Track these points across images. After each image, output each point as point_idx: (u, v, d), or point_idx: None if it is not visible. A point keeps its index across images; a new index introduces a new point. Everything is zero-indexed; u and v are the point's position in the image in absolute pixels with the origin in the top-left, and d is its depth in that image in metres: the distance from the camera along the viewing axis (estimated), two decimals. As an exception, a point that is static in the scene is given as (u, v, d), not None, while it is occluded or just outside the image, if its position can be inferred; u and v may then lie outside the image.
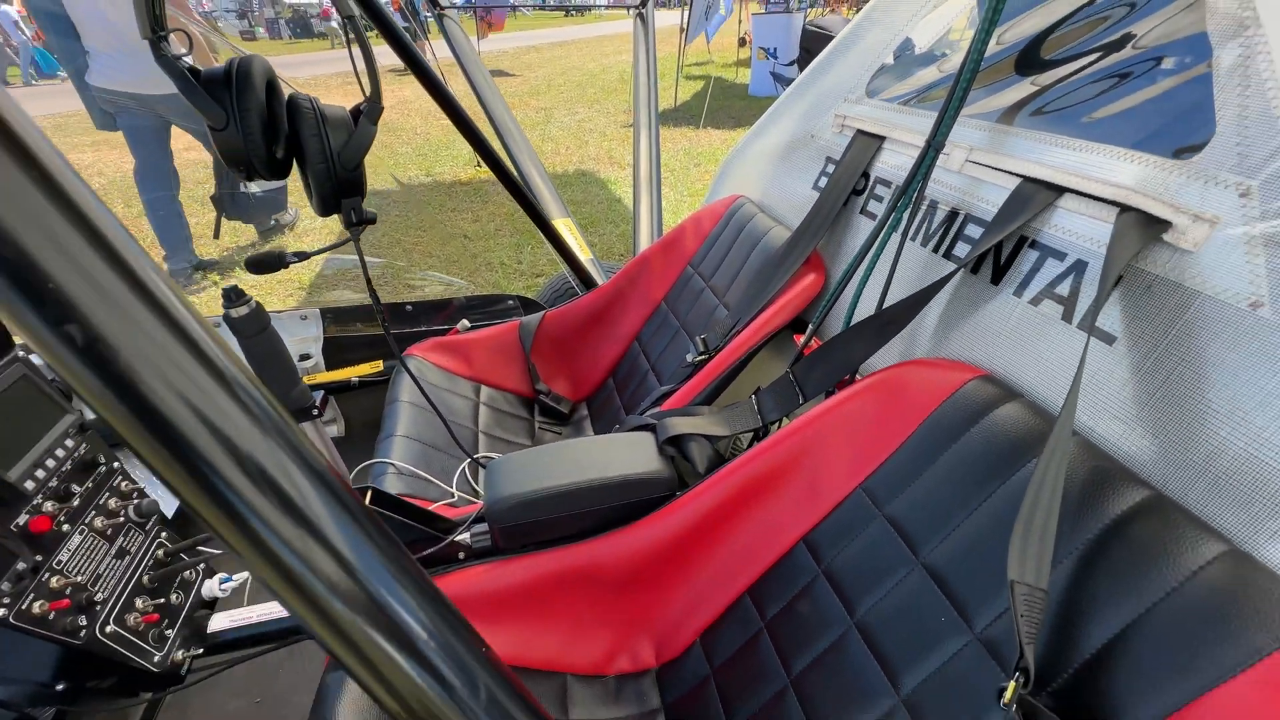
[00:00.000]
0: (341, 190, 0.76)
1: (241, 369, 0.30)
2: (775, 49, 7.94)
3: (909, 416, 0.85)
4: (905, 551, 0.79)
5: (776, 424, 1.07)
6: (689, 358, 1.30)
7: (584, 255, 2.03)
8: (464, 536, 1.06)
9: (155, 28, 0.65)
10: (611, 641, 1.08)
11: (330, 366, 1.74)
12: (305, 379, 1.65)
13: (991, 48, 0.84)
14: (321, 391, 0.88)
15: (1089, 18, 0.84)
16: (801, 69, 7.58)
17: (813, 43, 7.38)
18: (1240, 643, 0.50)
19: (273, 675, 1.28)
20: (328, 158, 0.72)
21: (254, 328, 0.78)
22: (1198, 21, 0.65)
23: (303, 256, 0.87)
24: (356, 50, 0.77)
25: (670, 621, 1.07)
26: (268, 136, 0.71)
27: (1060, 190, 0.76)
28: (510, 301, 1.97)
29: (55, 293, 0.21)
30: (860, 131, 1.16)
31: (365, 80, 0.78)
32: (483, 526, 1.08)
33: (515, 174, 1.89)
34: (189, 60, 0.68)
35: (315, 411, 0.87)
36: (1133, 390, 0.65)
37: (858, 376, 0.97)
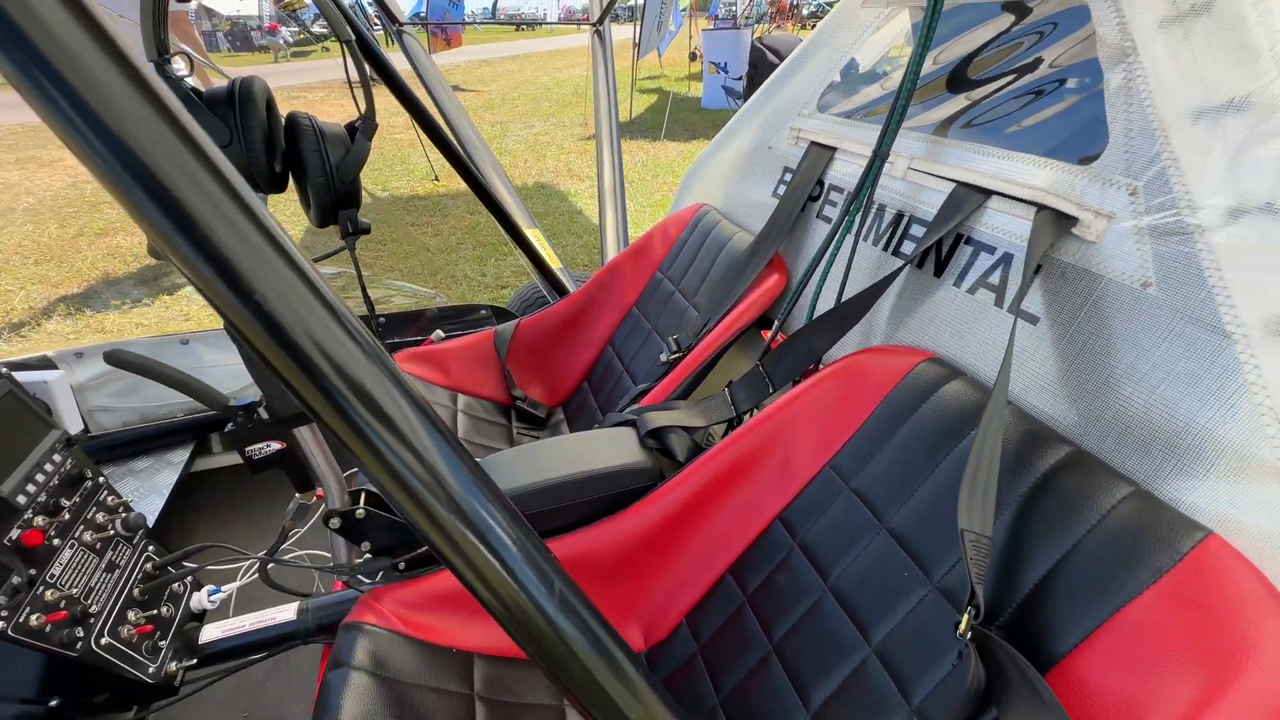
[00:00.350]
0: (339, 202, 0.80)
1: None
2: (726, 63, 8.20)
3: (868, 398, 0.95)
4: (870, 519, 0.88)
5: (749, 413, 1.15)
6: (663, 357, 1.38)
7: (554, 265, 2.09)
8: (456, 534, 1.09)
9: (160, 51, 0.69)
10: (601, 628, 1.13)
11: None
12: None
13: (927, 67, 0.96)
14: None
15: (1007, 43, 0.97)
16: (750, 84, 7.87)
17: (760, 58, 7.67)
18: (1145, 565, 0.60)
19: (259, 688, 1.27)
20: (327, 172, 0.77)
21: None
22: (1091, 49, 0.77)
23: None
24: (353, 70, 0.82)
25: (657, 606, 1.13)
26: (268, 152, 0.76)
27: (988, 193, 0.87)
28: (483, 311, 2.01)
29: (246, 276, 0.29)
30: (814, 143, 1.27)
31: (360, 97, 0.83)
32: (474, 524, 1.12)
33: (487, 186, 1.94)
34: (192, 81, 0.72)
35: (313, 415, 0.90)
36: (1054, 363, 0.76)
37: (821, 365, 1.07)
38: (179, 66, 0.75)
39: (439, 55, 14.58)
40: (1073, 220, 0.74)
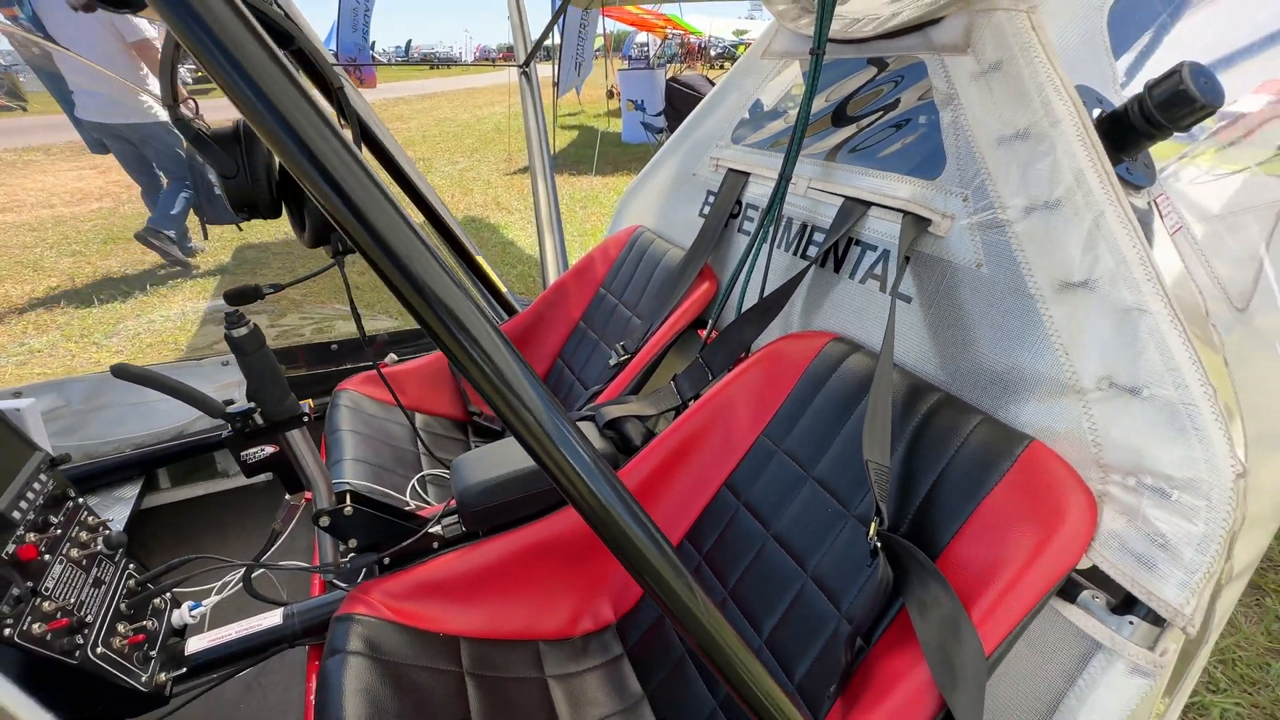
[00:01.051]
0: (329, 225, 0.92)
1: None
2: (643, 101, 8.68)
3: (790, 375, 1.15)
4: (800, 472, 1.06)
5: (693, 399, 1.32)
6: (611, 361, 1.54)
7: (501, 288, 2.22)
8: (437, 528, 1.19)
9: (173, 99, 0.80)
10: (575, 605, 1.25)
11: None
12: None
13: (817, 105, 1.20)
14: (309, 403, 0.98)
15: (873, 88, 1.23)
16: (667, 119, 8.36)
17: (675, 95, 8.17)
18: (994, 468, 0.81)
19: (241, 700, 1.28)
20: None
21: (253, 346, 0.90)
22: (929, 94, 1.02)
23: (278, 288, 1.01)
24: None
25: (623, 579, 1.27)
26: (268, 181, 0.87)
27: (868, 204, 1.11)
28: (432, 335, 2.10)
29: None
30: (731, 170, 1.49)
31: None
32: (453, 517, 1.22)
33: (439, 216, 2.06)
34: (201, 123, 0.83)
35: (305, 419, 0.99)
36: (925, 330, 0.99)
37: (750, 353, 1.26)
38: (187, 111, 0.85)
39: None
40: (928, 221, 0.98)
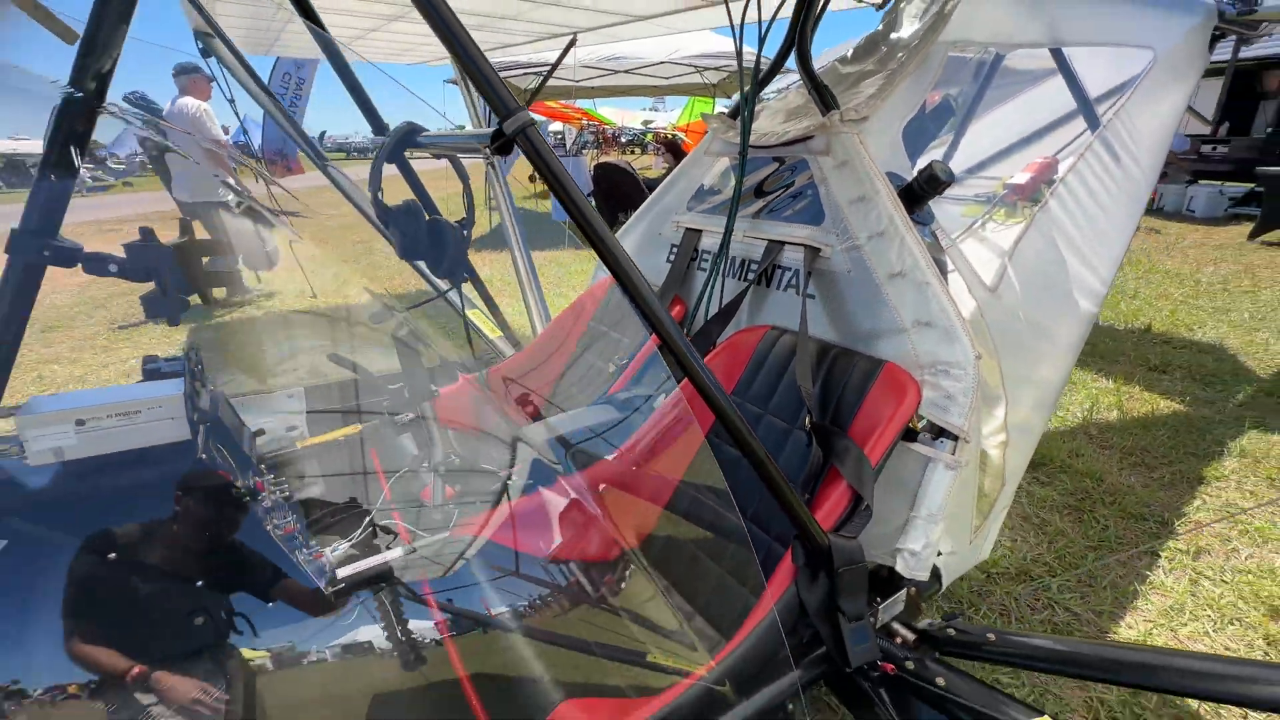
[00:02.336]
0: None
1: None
2: (571, 184, 9.62)
3: (745, 355, 1.77)
4: (758, 411, 1.66)
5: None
6: (610, 369, 2.11)
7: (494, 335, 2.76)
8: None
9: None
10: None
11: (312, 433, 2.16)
12: (299, 444, 2.07)
13: (746, 183, 1.90)
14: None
15: (778, 174, 1.95)
16: (595, 200, 9.34)
17: (603, 178, 9.18)
18: (870, 377, 1.45)
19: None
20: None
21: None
22: (811, 178, 1.74)
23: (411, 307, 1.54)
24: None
25: (646, 508, 1.79)
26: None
27: (783, 243, 1.79)
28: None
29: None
30: (688, 229, 2.17)
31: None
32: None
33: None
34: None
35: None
36: (824, 314, 1.65)
37: (716, 345, 1.88)
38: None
39: (287, 181, 14.62)
40: (818, 250, 1.66)
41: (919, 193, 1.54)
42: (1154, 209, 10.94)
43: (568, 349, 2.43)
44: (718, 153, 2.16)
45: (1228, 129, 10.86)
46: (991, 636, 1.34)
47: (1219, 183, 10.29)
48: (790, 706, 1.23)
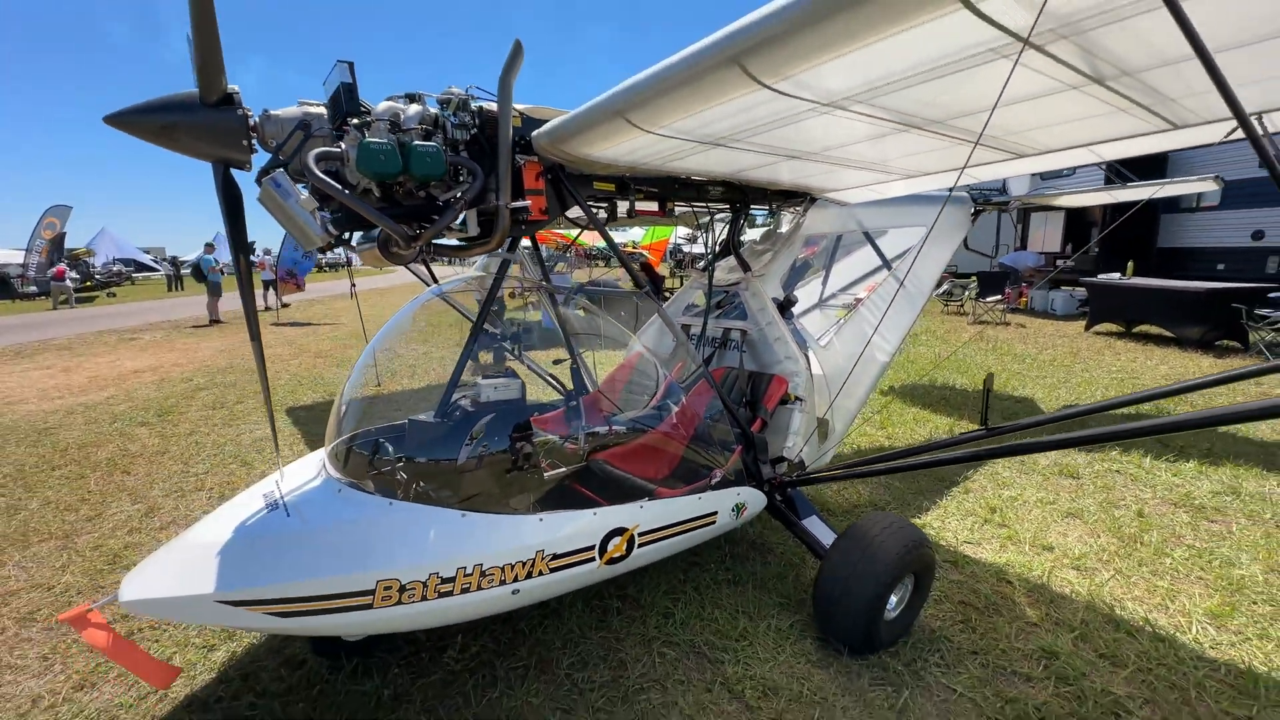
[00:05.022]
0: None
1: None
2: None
3: (718, 376, 3.87)
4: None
5: (685, 397, 3.99)
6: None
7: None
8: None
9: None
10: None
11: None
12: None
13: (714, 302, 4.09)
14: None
15: (729, 299, 4.15)
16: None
17: (588, 293, 11.57)
18: (771, 382, 3.56)
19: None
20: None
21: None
22: (739, 300, 3.94)
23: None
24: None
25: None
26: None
27: (730, 329, 3.95)
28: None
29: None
30: (684, 325, 4.33)
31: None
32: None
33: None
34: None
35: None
36: (752, 359, 3.79)
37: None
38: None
39: (291, 296, 16.63)
40: (746, 331, 3.83)
41: (785, 304, 3.75)
42: (1027, 309, 14.07)
43: (617, 388, 4.47)
44: (695, 289, 4.39)
45: (1071, 248, 14.34)
46: (822, 474, 3.34)
47: (1072, 288, 13.53)
48: (740, 493, 3.18)
